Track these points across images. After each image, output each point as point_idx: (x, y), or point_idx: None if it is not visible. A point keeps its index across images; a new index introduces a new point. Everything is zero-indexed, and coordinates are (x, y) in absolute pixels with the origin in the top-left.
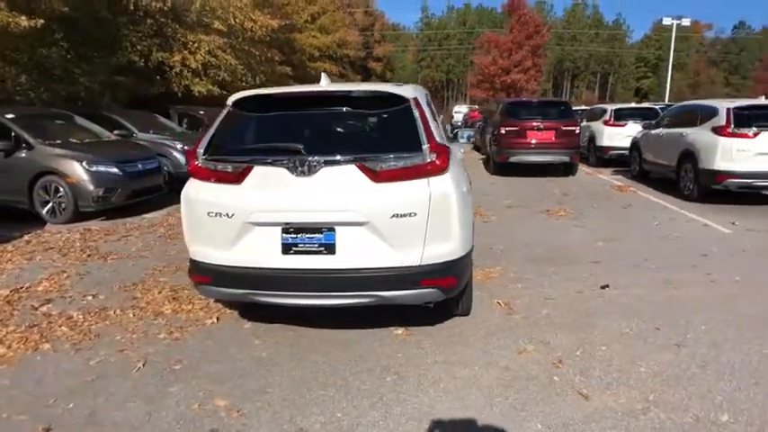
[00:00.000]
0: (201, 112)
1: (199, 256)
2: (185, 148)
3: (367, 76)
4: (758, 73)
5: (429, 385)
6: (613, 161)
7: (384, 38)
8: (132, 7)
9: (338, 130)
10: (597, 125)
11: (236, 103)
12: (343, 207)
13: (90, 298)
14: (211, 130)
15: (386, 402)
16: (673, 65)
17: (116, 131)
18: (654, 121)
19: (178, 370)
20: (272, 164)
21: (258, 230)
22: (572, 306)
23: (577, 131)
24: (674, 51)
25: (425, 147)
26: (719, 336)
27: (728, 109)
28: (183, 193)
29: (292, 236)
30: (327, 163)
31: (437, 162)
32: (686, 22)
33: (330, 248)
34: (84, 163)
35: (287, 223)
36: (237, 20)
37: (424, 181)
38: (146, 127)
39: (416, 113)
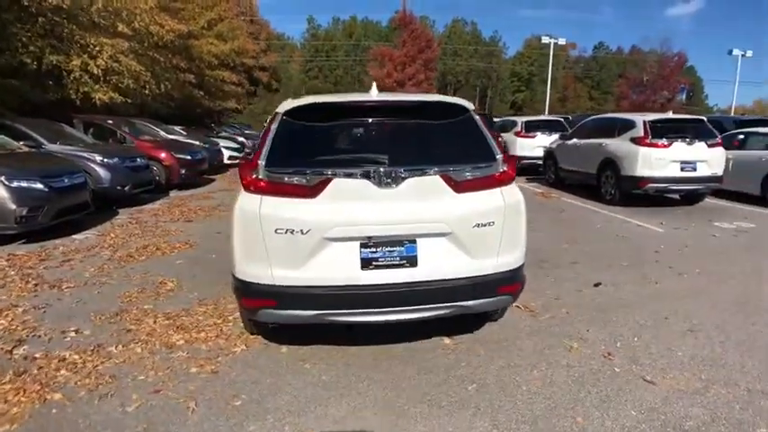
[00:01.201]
0: (110, 122)
1: (258, 277)
2: (106, 161)
3: (255, 85)
4: (621, 88)
5: (513, 389)
6: (525, 170)
7: (269, 47)
8: (26, 2)
9: (410, 140)
10: (509, 136)
11: (290, 113)
12: (429, 218)
13: (73, 334)
14: (268, 141)
15: (485, 411)
16: (544, 80)
17: (22, 143)
18: (568, 132)
19: (241, 406)
20: (354, 176)
21: (334, 246)
22: (582, 304)
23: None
24: (545, 68)
25: (499, 157)
26: (718, 320)
27: (645, 122)
28: (237, 208)
29: (372, 250)
30: (412, 174)
31: (509, 171)
32: (562, 41)
33: (412, 261)
34: (2, 178)
35: (368, 237)
36: (142, 23)
37: (498, 190)
38: (53, 137)
39: (480, 123)
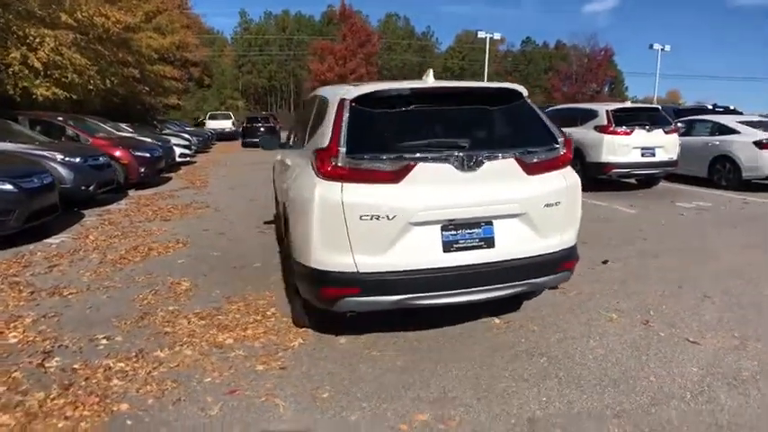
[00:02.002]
0: (60, 119)
1: (340, 266)
2: (68, 160)
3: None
4: (553, 81)
5: (580, 358)
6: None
7: (201, 42)
8: None
9: (480, 125)
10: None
11: (357, 100)
12: (504, 200)
13: (104, 341)
14: (343, 128)
15: (567, 380)
16: (474, 74)
17: None
18: None
19: (330, 398)
20: (437, 160)
21: (417, 230)
22: (601, 279)
23: None
24: (476, 62)
25: (561, 140)
26: (723, 286)
27: (608, 111)
28: (316, 196)
29: (452, 233)
30: (490, 157)
31: (568, 154)
32: (497, 36)
33: (489, 242)
34: None
35: (450, 220)
36: (86, 14)
37: (562, 171)
38: (1, 135)
39: (536, 107)
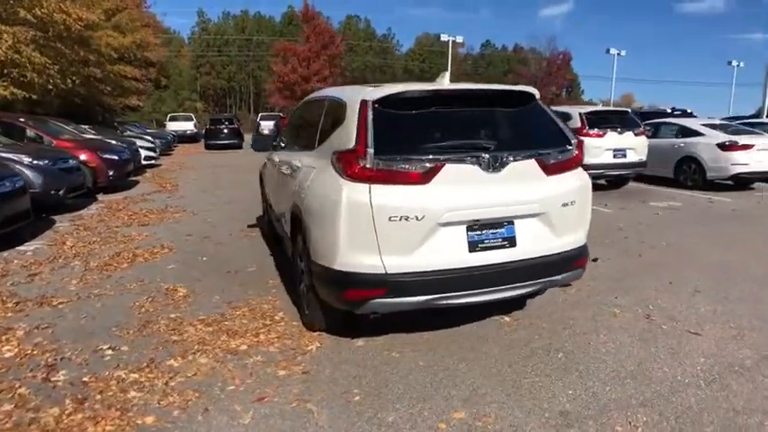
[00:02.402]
0: (22, 120)
1: (367, 267)
2: (36, 163)
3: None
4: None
5: (594, 353)
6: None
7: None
8: None
9: (501, 126)
10: None
11: (380, 102)
12: (525, 200)
13: (110, 352)
14: (369, 129)
15: (587, 372)
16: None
17: None
18: None
19: (362, 401)
20: (465, 161)
21: (444, 231)
22: (596, 276)
23: None
24: (436, 65)
25: (574, 141)
26: (711, 281)
27: (581, 114)
28: (345, 197)
29: (477, 233)
30: (513, 158)
31: (580, 155)
32: (460, 39)
33: (511, 241)
34: None
35: (475, 220)
36: (45, 10)
37: (575, 172)
38: None
39: (548, 109)
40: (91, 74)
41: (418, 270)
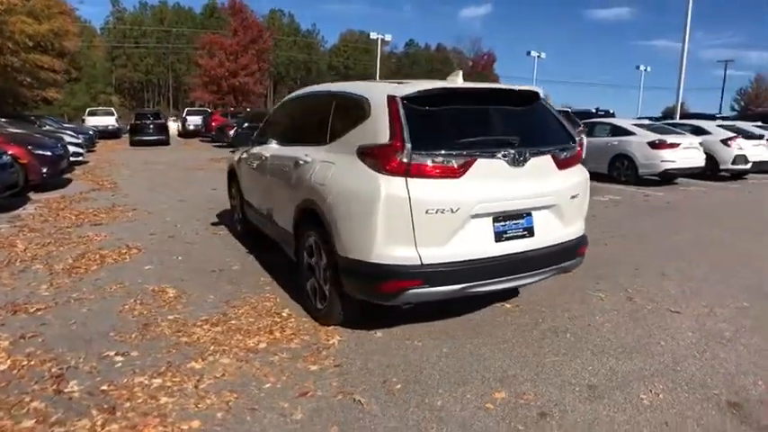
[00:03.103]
0: None
1: (404, 259)
2: None
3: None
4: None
5: (596, 332)
6: None
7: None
8: None
9: (519, 123)
10: None
11: (408, 98)
12: (542, 193)
13: (119, 358)
14: (403, 125)
15: (597, 350)
16: (361, 74)
17: None
18: None
19: (405, 388)
20: (493, 156)
21: (474, 222)
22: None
23: None
24: (360, 62)
25: (578, 139)
26: (672, 265)
27: None
28: (383, 191)
29: (502, 224)
30: (533, 154)
31: (581, 151)
32: (388, 37)
33: (530, 231)
34: None
35: (501, 212)
36: None
37: (578, 167)
38: None
39: (551, 107)
40: (8, 62)
41: (451, 260)
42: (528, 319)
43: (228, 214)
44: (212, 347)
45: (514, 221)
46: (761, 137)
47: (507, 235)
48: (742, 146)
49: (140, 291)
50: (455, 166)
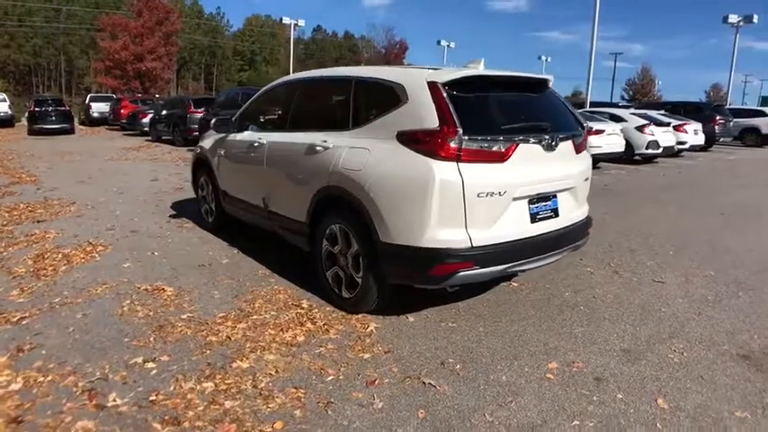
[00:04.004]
0: None
1: (456, 242)
2: None
3: None
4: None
5: (602, 303)
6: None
7: None
8: None
9: (544, 109)
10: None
11: (448, 84)
12: (565, 176)
13: (151, 365)
14: (451, 110)
15: (612, 320)
16: (267, 59)
17: None
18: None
19: (464, 367)
20: (532, 141)
21: (515, 204)
22: None
23: None
24: (267, 47)
25: (586, 125)
26: (639, 242)
27: None
28: (437, 176)
29: (535, 205)
30: (561, 139)
31: (587, 136)
32: (301, 22)
33: (556, 212)
34: None
35: (536, 195)
36: None
37: (586, 151)
38: None
39: (559, 95)
40: None
41: (496, 242)
42: (539, 295)
43: (185, 205)
44: (248, 345)
45: (544, 203)
46: (668, 124)
47: (540, 216)
48: (654, 132)
49: (132, 290)
50: (502, 150)
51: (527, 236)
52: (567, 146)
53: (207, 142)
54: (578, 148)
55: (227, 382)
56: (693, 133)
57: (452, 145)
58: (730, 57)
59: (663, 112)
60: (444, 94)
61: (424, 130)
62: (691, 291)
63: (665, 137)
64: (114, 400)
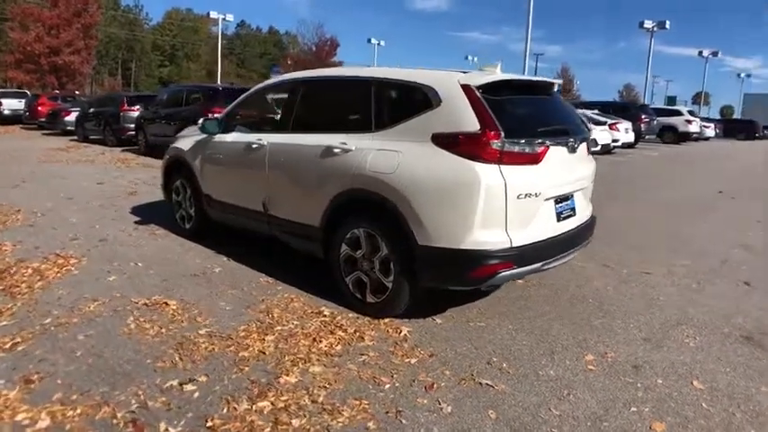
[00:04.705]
0: None
1: (497, 243)
2: None
3: None
4: (285, 68)
5: (606, 295)
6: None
7: None
8: None
9: (561, 112)
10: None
11: (482, 87)
12: (581, 177)
13: (190, 387)
14: (490, 114)
15: (622, 309)
16: (189, 55)
17: None
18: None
19: (511, 365)
20: (561, 144)
21: (545, 205)
22: None
23: None
24: (189, 43)
25: (590, 126)
26: (611, 237)
27: None
28: (481, 178)
29: (559, 205)
30: (580, 141)
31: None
32: (230, 17)
33: (573, 211)
34: None
35: (560, 195)
36: None
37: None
38: None
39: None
40: None
41: (531, 241)
42: (547, 291)
43: (147, 210)
44: (287, 358)
45: (566, 203)
46: (605, 123)
47: (563, 215)
48: (592, 131)
49: (131, 306)
50: (536, 152)
51: (554, 234)
52: (582, 147)
53: (184, 143)
54: (588, 150)
55: (282, 399)
56: (625, 131)
57: (495, 148)
58: (637, 59)
59: (597, 111)
60: (480, 97)
61: (467, 133)
62: (676, 280)
63: (602, 135)
64: (167, 430)
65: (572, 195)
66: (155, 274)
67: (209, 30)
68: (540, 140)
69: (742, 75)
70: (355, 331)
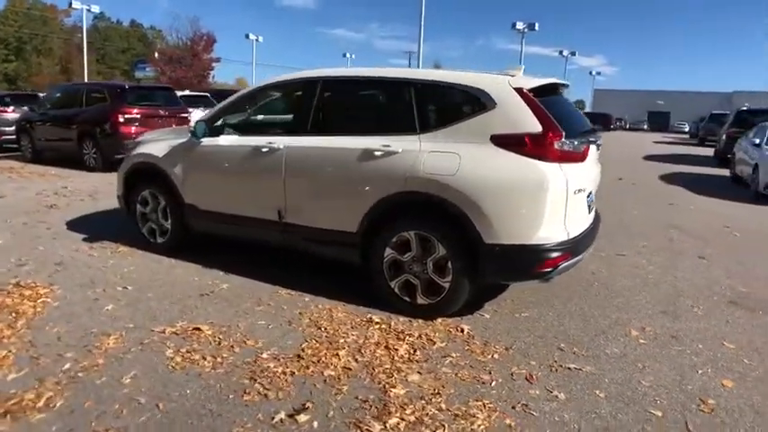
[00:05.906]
0: None
1: (558, 237)
2: None
3: None
4: (157, 64)
5: (609, 281)
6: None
7: None
8: None
9: (576, 112)
10: None
11: (535, 90)
12: (599, 172)
13: (305, 416)
14: (548, 115)
15: (628, 291)
16: (39, 49)
17: None
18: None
19: (577, 349)
20: (594, 143)
21: (585, 198)
22: None
23: None
24: (38, 36)
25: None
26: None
27: None
28: (549, 177)
29: (588, 198)
30: (599, 140)
31: None
32: (96, 8)
33: (591, 206)
34: None
35: (590, 190)
36: None
37: None
38: None
39: None
40: None
41: (579, 232)
42: (562, 278)
43: (87, 224)
44: (376, 371)
45: (590, 197)
46: None
47: (591, 207)
48: None
49: (157, 336)
50: (583, 150)
51: (589, 224)
52: (598, 146)
53: (155, 149)
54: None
55: (407, 413)
56: None
57: (557, 147)
58: (507, 59)
59: None
60: (536, 100)
61: (531, 134)
62: (652, 259)
63: None
64: None
65: (591, 190)
66: (155, 298)
67: (61, 21)
68: (583, 140)
69: (593, 72)
70: (420, 335)
